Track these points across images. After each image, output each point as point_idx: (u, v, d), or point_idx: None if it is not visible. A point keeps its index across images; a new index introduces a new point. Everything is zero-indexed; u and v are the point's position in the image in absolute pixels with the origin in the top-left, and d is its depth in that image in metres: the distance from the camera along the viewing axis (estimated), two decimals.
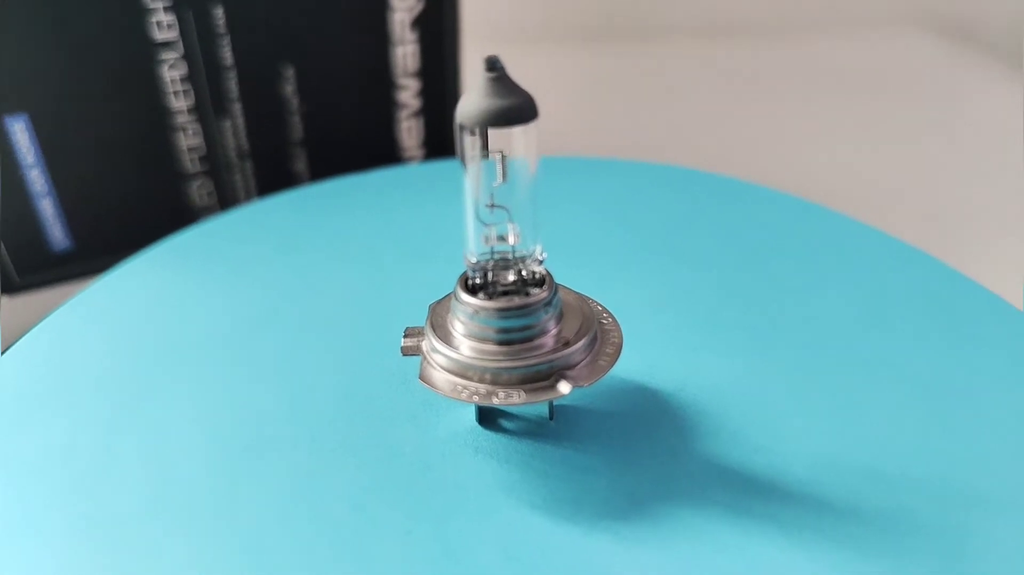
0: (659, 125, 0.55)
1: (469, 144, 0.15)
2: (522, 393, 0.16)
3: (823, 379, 0.20)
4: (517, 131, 0.15)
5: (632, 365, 0.20)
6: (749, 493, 0.17)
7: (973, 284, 0.24)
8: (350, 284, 0.24)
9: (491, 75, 0.14)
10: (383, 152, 0.39)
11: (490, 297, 0.17)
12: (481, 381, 0.16)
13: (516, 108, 0.14)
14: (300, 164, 0.37)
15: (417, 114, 0.39)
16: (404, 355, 0.17)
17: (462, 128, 0.15)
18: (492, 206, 0.16)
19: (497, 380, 0.16)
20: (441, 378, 0.17)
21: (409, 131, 0.39)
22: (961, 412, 0.19)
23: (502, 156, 0.15)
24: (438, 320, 0.17)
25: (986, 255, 0.38)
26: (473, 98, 0.14)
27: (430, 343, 0.17)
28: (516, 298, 0.17)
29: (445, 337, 0.17)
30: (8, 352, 0.21)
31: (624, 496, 0.17)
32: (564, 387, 0.16)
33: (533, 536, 0.16)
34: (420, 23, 0.37)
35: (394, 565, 0.15)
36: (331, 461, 0.18)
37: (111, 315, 0.23)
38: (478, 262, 0.17)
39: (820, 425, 0.19)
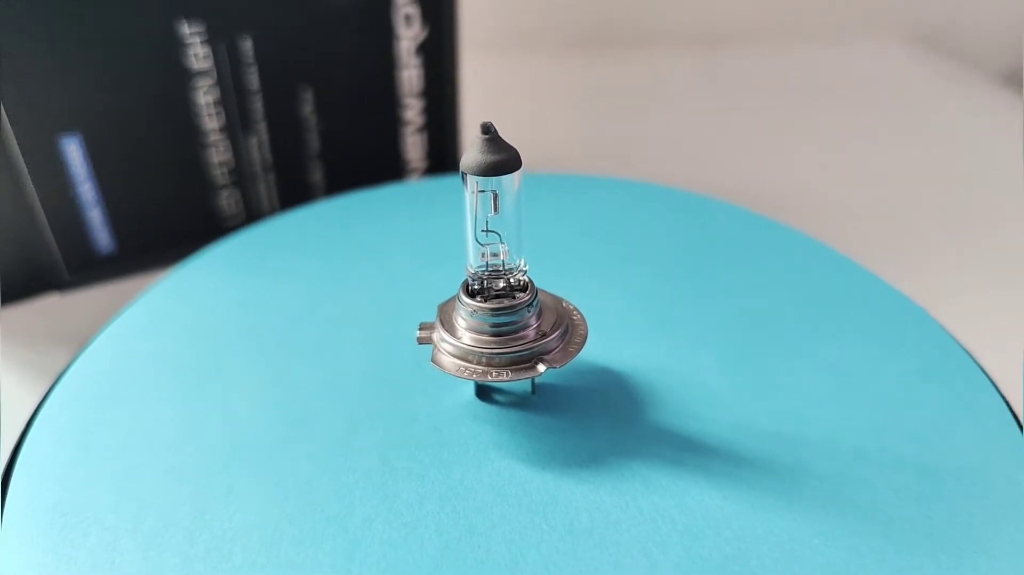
0: (642, 132, 0.57)
1: (470, 186, 0.20)
2: (509, 372, 0.21)
3: (750, 363, 0.25)
4: (506, 177, 0.20)
5: (598, 352, 0.25)
6: (685, 450, 0.21)
7: (889, 288, 0.28)
8: (369, 286, 0.29)
9: (486, 136, 0.19)
10: (390, 164, 0.42)
11: (485, 300, 0.21)
12: (478, 363, 0.21)
13: (505, 162, 0.19)
14: (317, 175, 0.41)
15: (421, 130, 0.42)
16: (419, 343, 0.22)
17: (464, 176, 0.20)
18: (487, 231, 0.21)
19: (491, 363, 0.21)
20: (448, 361, 0.21)
21: (413, 145, 0.42)
22: (856, 391, 0.24)
23: (495, 194, 0.20)
24: (445, 317, 0.22)
25: (948, 262, 0.41)
26: (473, 153, 0.19)
27: (439, 334, 0.22)
28: (505, 300, 0.21)
29: (451, 330, 0.21)
30: (88, 348, 0.26)
31: (587, 452, 0.21)
32: (541, 367, 0.21)
33: (517, 480, 0.20)
34: (423, 49, 0.40)
35: (412, 501, 0.20)
36: (362, 424, 0.22)
37: (172, 314, 0.27)
38: (476, 272, 0.22)
39: (744, 399, 0.23)
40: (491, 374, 0.21)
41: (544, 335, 0.21)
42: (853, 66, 0.70)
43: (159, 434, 0.22)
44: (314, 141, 0.40)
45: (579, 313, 0.23)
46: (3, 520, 0.20)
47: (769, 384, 0.24)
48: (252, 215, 0.40)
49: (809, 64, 0.70)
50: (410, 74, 0.41)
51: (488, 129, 0.19)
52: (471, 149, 0.19)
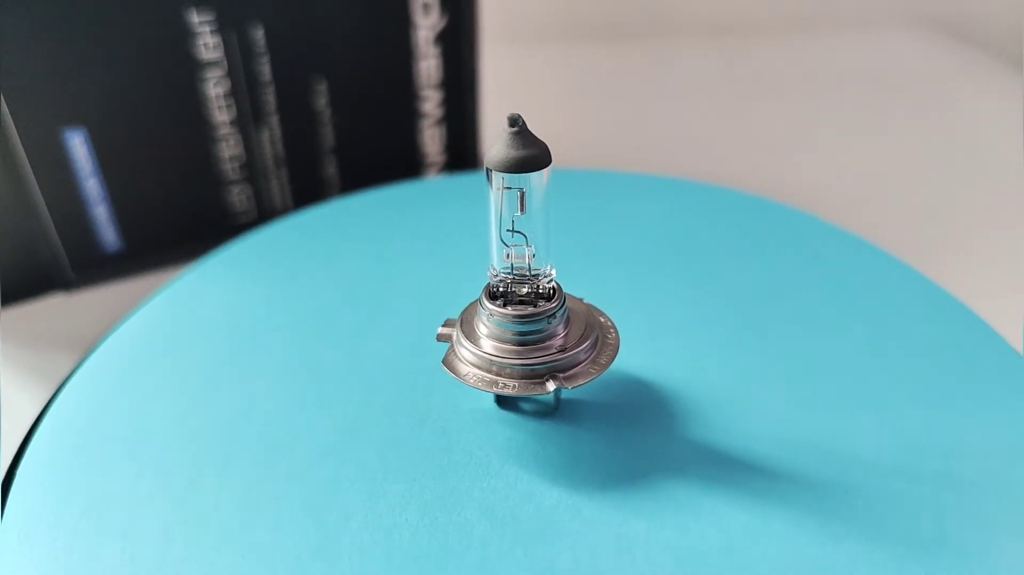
0: (667, 124, 0.56)
1: (496, 183, 0.19)
2: (518, 385, 0.19)
3: (792, 374, 0.23)
4: (534, 174, 0.18)
5: (634, 361, 0.23)
6: (722, 468, 0.20)
7: (947, 296, 0.26)
8: (393, 285, 0.27)
9: (513, 130, 0.17)
10: (407, 159, 0.41)
11: (506, 305, 0.20)
12: (489, 371, 0.19)
13: (534, 158, 0.17)
14: (331, 170, 0.40)
15: (439, 122, 0.41)
16: (438, 340, 0.21)
17: (489, 172, 0.18)
18: (513, 231, 0.19)
19: (502, 372, 0.19)
20: (459, 364, 0.20)
21: (432, 138, 0.41)
22: (909, 406, 0.22)
23: (521, 192, 0.19)
24: (467, 317, 0.21)
25: (978, 256, 0.39)
26: (499, 148, 0.18)
27: (457, 334, 0.20)
28: (528, 308, 0.19)
29: (469, 333, 0.20)
30: (87, 362, 0.24)
31: (614, 469, 0.20)
32: (550, 385, 0.19)
33: (510, 501, 0.19)
34: (442, 39, 0.38)
35: (395, 504, 0.19)
36: (372, 418, 0.21)
37: (179, 322, 0.26)
38: (499, 275, 0.20)
39: (786, 413, 0.21)
40: (498, 384, 0.19)
41: (564, 350, 0.20)
42: (876, 55, 0.68)
43: (183, 426, 0.21)
44: (328, 135, 0.39)
45: (614, 331, 0.21)
46: None
47: (816, 398, 0.22)
48: (264, 211, 0.39)
49: (832, 54, 0.69)
50: (428, 64, 0.39)
51: (516, 122, 0.17)
52: (498, 144, 0.18)
